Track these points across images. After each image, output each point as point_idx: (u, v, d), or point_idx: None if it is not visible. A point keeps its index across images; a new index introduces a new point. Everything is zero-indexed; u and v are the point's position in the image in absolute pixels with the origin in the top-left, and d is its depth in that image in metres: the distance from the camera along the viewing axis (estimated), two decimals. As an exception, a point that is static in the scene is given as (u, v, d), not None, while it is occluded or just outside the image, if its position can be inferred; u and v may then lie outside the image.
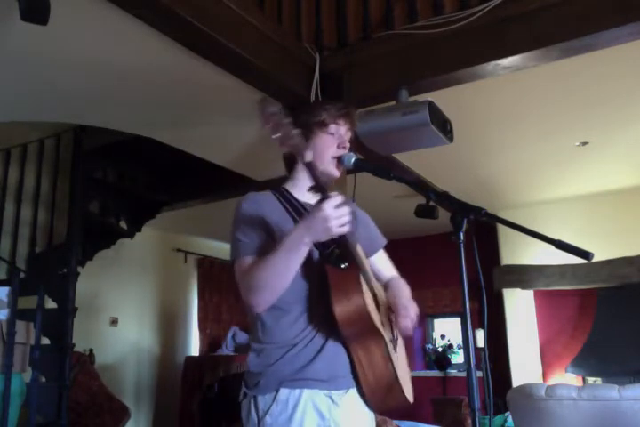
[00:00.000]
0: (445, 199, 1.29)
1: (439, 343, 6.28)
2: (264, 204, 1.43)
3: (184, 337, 6.10)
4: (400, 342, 1.52)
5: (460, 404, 5.03)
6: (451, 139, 2.73)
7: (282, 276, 1.29)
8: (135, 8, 2.19)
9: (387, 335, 1.37)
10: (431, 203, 1.35)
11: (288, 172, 1.56)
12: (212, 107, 3.20)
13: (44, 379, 3.61)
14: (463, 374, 4.91)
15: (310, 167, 1.27)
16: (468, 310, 1.18)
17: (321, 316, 1.35)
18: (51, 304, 3.81)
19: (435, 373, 6.04)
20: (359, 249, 1.43)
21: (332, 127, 1.47)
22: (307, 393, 1.31)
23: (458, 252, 1.20)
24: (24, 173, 4.35)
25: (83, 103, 3.20)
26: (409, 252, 5.98)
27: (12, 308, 3.16)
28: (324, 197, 1.23)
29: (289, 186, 1.53)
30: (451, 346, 6.16)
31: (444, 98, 2.73)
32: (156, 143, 3.76)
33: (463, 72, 2.66)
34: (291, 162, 1.53)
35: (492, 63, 2.57)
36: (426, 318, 6.51)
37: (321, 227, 1.22)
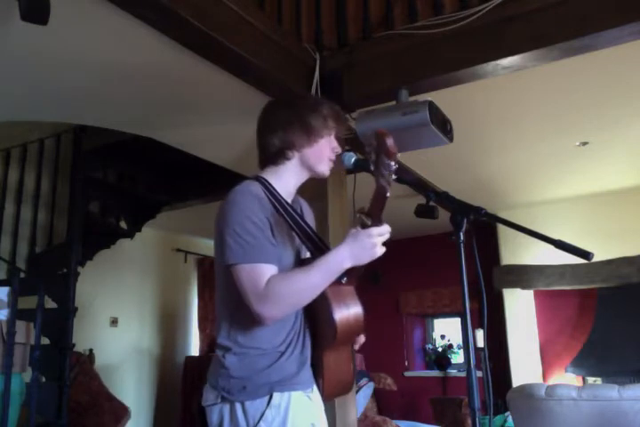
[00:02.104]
0: (445, 199, 1.29)
1: (439, 343, 6.29)
2: (261, 196, 1.41)
3: (184, 337, 6.10)
4: None
5: (460, 404, 5.03)
6: (451, 139, 2.72)
7: (310, 296, 1.30)
8: (135, 8, 2.18)
9: None
10: (431, 203, 1.35)
11: (270, 163, 1.53)
12: (212, 107, 3.20)
13: (44, 379, 3.61)
14: (463, 374, 4.90)
15: (384, 196, 1.22)
16: (468, 310, 1.18)
17: (303, 325, 1.41)
18: (51, 304, 3.81)
19: (435, 373, 6.04)
20: None
21: (325, 131, 1.50)
22: (294, 396, 1.35)
23: (458, 252, 1.20)
24: (24, 173, 4.35)
25: (83, 103, 3.20)
26: (409, 252, 5.99)
27: (12, 308, 3.15)
28: (375, 224, 1.26)
29: (270, 177, 1.50)
30: (451, 346, 6.16)
31: (443, 98, 2.73)
32: (156, 143, 3.75)
33: (463, 72, 2.65)
34: (278, 156, 1.50)
35: (492, 63, 2.56)
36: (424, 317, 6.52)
37: (369, 253, 1.26)
